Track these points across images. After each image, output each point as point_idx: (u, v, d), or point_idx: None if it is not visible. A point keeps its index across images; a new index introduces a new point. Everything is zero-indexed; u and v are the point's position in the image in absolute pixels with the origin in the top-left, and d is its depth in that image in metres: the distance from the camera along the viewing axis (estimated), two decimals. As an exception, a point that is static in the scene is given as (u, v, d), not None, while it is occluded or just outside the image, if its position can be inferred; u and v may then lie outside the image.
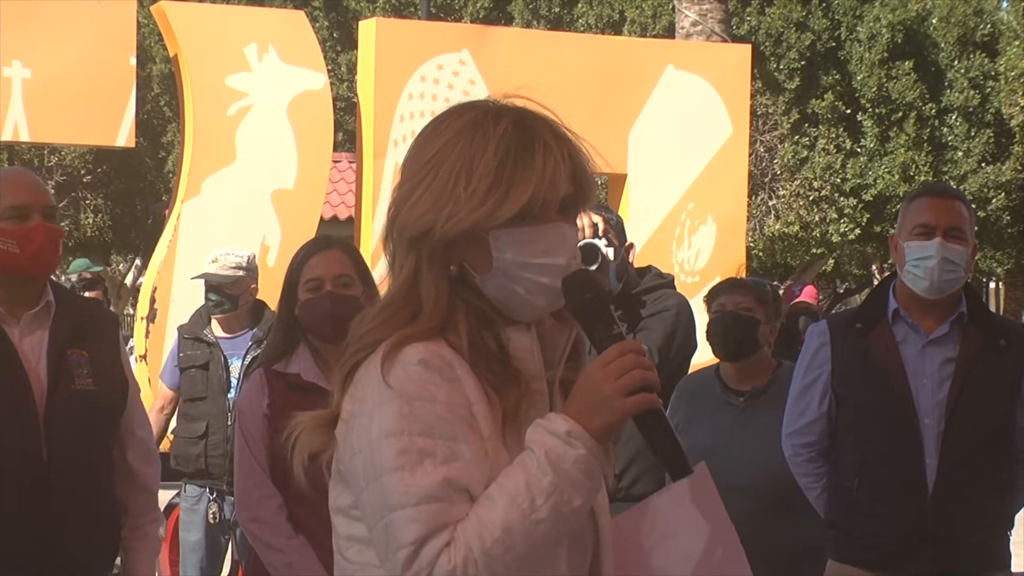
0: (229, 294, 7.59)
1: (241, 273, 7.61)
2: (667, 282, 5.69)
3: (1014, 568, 4.97)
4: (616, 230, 5.55)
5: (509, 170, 2.34)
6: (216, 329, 7.62)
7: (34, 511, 4.03)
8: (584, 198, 2.43)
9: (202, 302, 7.78)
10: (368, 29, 10.69)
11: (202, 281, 7.73)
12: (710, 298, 5.64)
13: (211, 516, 7.49)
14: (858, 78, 23.24)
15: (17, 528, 4.02)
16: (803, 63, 22.89)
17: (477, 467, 2.28)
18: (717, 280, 10.86)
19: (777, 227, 22.80)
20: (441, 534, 2.22)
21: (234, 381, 7.38)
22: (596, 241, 5.34)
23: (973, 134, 23.33)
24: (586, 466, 2.25)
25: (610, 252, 5.38)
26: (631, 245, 5.65)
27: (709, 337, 5.54)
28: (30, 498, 4.02)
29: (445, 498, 2.24)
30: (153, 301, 9.82)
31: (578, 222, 5.41)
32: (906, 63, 23.01)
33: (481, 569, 2.21)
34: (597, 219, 5.43)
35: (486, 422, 2.32)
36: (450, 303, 2.36)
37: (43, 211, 4.14)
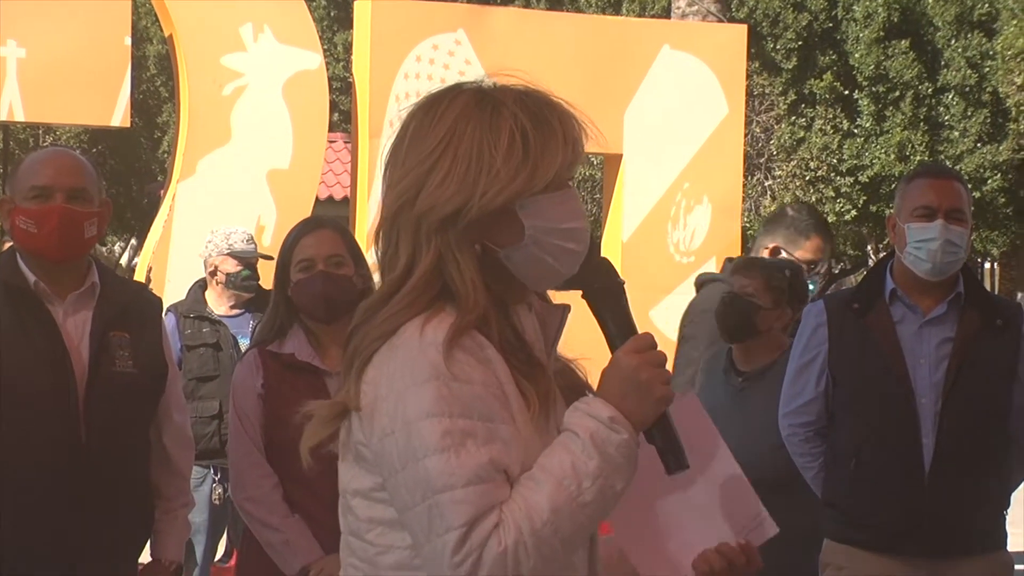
0: (256, 270, 7.66)
1: None
2: None
3: (1010, 548, 4.98)
4: None
5: (532, 141, 2.36)
6: (214, 307, 7.61)
7: (70, 491, 4.05)
8: (578, 162, 2.46)
9: (195, 281, 7.81)
10: (363, 9, 10.65)
11: (201, 261, 7.75)
12: (727, 273, 5.69)
13: (215, 497, 7.46)
14: (855, 57, 23.20)
15: (52, 508, 4.04)
16: (800, 43, 22.86)
17: (514, 448, 2.29)
18: (712, 260, 10.93)
19: (773, 207, 22.77)
20: (490, 515, 2.23)
21: None
22: None
23: (970, 113, 23.29)
24: (628, 451, 2.29)
25: None
26: None
27: (714, 316, 5.56)
28: (66, 478, 4.04)
29: (491, 479, 2.24)
30: (149, 281, 9.78)
31: None
32: (903, 42, 22.97)
33: (531, 550, 2.22)
34: None
35: (517, 404, 2.33)
36: (485, 292, 2.36)
37: (67, 192, 4.11)
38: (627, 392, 2.31)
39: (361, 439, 2.36)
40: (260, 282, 7.63)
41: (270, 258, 7.67)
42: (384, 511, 2.35)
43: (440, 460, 2.24)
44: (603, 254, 2.50)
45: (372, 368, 2.34)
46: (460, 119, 2.38)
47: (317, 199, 10.64)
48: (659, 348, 2.36)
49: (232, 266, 7.62)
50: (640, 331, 2.39)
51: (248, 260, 7.64)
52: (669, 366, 2.37)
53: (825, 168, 22.92)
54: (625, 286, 2.47)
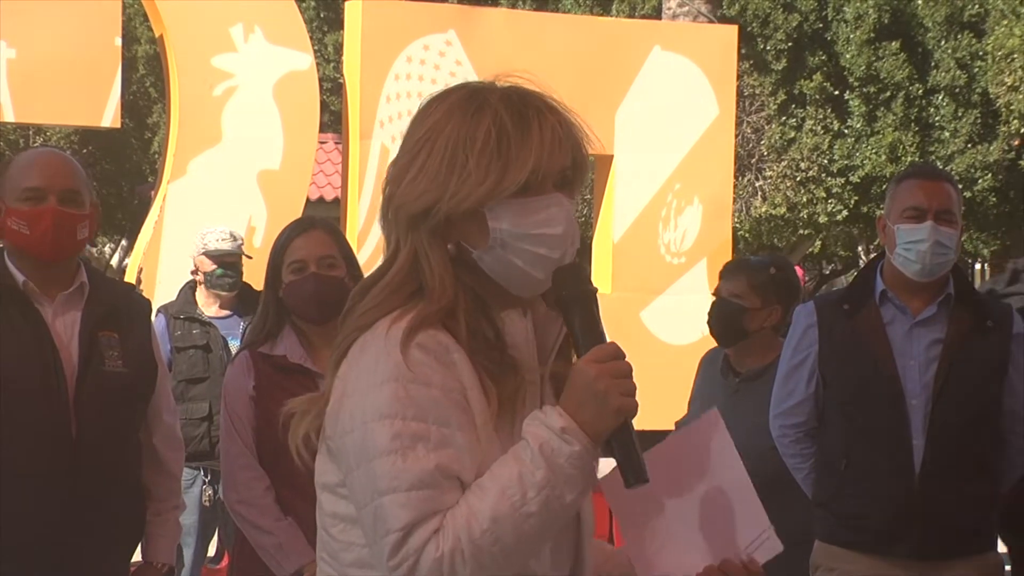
0: (239, 270, 7.62)
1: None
2: None
3: (1000, 549, 4.98)
4: None
5: (508, 143, 2.32)
6: (204, 309, 7.59)
7: (61, 490, 4.05)
8: (580, 172, 2.41)
9: (186, 282, 7.78)
10: (354, 9, 10.65)
11: (191, 261, 7.72)
12: (719, 279, 5.72)
13: (205, 499, 7.44)
14: (845, 58, 23.22)
15: (44, 506, 4.04)
16: (790, 44, 22.87)
17: (469, 454, 2.27)
18: (703, 261, 10.95)
19: (764, 208, 22.78)
20: (430, 521, 2.21)
21: None
22: None
23: (960, 114, 23.29)
24: (580, 462, 2.25)
25: None
26: None
27: (707, 321, 5.62)
28: (58, 477, 4.05)
29: (436, 485, 2.23)
30: (139, 282, 9.79)
31: None
32: (893, 43, 22.98)
33: (468, 558, 2.20)
34: None
35: (480, 409, 2.31)
36: (454, 286, 2.34)
37: (59, 194, 4.13)
38: (584, 402, 2.26)
39: (329, 434, 2.37)
40: (241, 279, 7.60)
41: (250, 257, 7.67)
42: (346, 507, 2.35)
43: (387, 462, 2.23)
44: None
45: (345, 363, 2.35)
46: (444, 117, 2.36)
47: (308, 200, 10.64)
48: (626, 358, 2.30)
49: (209, 265, 7.60)
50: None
51: (224, 258, 7.59)
52: (636, 377, 2.31)
53: (816, 169, 22.92)
54: (597, 292, 2.42)
